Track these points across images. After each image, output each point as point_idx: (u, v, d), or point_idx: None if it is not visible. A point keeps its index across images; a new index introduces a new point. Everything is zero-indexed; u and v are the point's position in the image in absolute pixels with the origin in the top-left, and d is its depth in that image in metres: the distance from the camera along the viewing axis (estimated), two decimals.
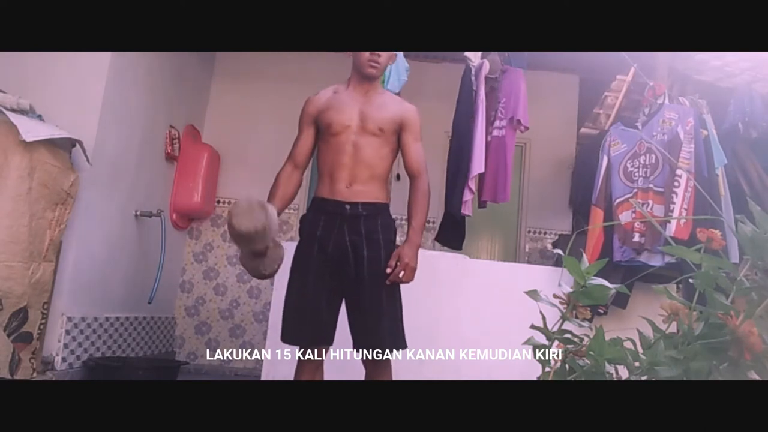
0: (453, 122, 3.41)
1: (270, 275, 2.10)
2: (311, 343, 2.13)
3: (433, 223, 4.70)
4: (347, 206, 2.15)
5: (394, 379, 2.22)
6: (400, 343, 2.15)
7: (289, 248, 2.26)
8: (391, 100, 2.32)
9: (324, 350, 2.17)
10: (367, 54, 2.18)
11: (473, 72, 3.42)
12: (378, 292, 2.12)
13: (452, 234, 3.46)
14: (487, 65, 3.41)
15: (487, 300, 3.25)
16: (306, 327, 2.13)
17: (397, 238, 2.31)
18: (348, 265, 2.13)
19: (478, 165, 3.25)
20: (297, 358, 2.16)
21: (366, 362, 2.15)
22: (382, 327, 2.11)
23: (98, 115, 3.46)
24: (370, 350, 2.11)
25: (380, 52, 2.19)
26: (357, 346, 2.13)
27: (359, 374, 2.20)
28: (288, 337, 2.17)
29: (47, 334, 3.08)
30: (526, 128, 3.45)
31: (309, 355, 2.14)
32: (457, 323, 3.22)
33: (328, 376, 2.29)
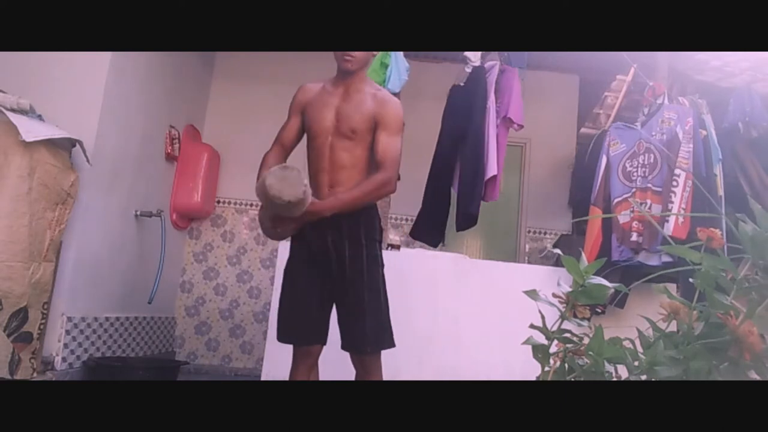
0: (469, 125, 3.37)
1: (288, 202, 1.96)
2: (304, 342, 2.15)
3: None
4: None
5: (394, 379, 2.22)
6: (386, 343, 2.14)
7: (284, 249, 2.28)
8: (369, 98, 2.21)
9: (318, 350, 2.18)
10: None
11: (486, 72, 3.42)
12: (360, 291, 2.12)
13: (431, 231, 3.48)
14: (497, 68, 3.42)
15: (487, 300, 3.25)
16: (298, 326, 2.15)
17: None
18: (331, 265, 2.14)
19: (492, 167, 3.28)
20: (292, 359, 2.17)
21: (354, 362, 2.16)
22: (364, 327, 2.11)
23: (98, 115, 3.46)
24: (355, 350, 2.13)
25: (349, 51, 2.15)
26: (343, 346, 2.14)
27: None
28: (282, 336, 2.19)
29: (47, 334, 3.08)
30: (520, 126, 3.45)
31: (303, 353, 2.15)
32: (457, 323, 3.22)
33: (326, 375, 2.29)
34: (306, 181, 1.95)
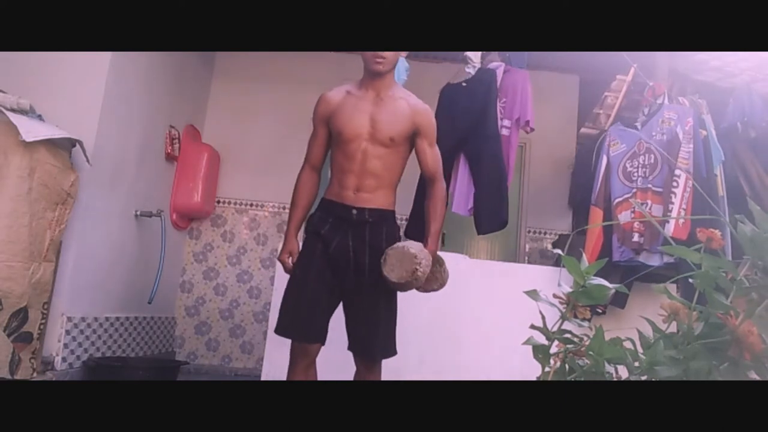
0: (480, 126, 3.35)
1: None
2: (305, 338, 2.14)
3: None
4: (354, 211, 2.15)
5: (394, 379, 2.23)
6: (391, 352, 2.18)
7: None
8: (404, 104, 2.22)
9: (317, 349, 2.18)
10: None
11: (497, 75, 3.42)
12: (376, 301, 2.13)
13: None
14: (502, 68, 3.42)
15: (487, 300, 3.25)
16: (303, 322, 2.13)
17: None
18: (348, 270, 2.14)
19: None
20: (290, 356, 2.17)
21: (358, 363, 2.19)
22: (376, 337, 2.14)
23: (98, 115, 3.46)
24: (366, 356, 2.16)
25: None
26: (351, 349, 2.17)
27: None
28: (282, 330, 2.17)
29: (47, 334, 3.08)
30: (532, 129, 3.47)
31: (303, 352, 2.15)
32: (457, 323, 3.21)
33: (327, 375, 2.29)
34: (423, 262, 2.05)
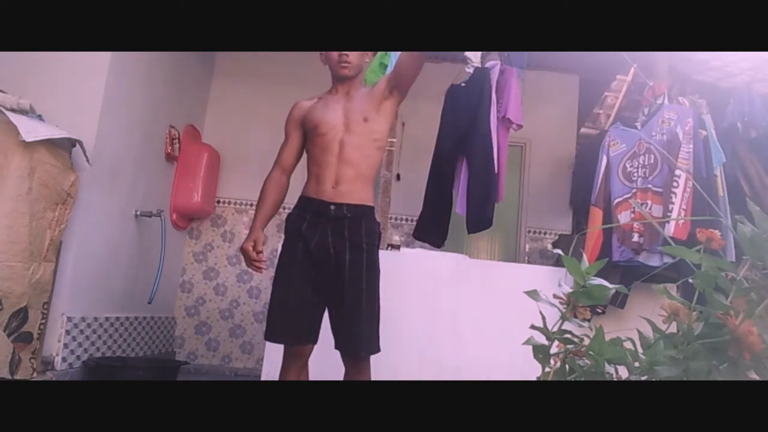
0: (474, 125, 3.35)
1: None
2: (295, 341, 2.15)
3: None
4: (332, 207, 2.15)
5: (394, 379, 2.23)
6: (375, 348, 2.17)
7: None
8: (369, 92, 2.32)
9: (310, 349, 2.19)
10: (335, 56, 2.21)
11: (490, 74, 3.40)
12: (358, 297, 2.12)
13: (435, 231, 3.47)
14: (498, 68, 3.41)
15: (487, 300, 3.25)
16: (290, 325, 2.14)
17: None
18: (329, 267, 2.14)
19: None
20: (283, 358, 2.17)
21: (345, 362, 2.19)
22: (359, 333, 2.13)
23: (98, 115, 3.46)
24: (350, 354, 2.15)
25: (348, 51, 2.21)
26: (337, 347, 2.17)
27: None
28: (272, 336, 2.17)
29: (47, 334, 3.08)
30: (519, 126, 3.45)
31: (296, 354, 2.15)
32: (457, 323, 3.21)
33: (326, 374, 2.29)
34: None
